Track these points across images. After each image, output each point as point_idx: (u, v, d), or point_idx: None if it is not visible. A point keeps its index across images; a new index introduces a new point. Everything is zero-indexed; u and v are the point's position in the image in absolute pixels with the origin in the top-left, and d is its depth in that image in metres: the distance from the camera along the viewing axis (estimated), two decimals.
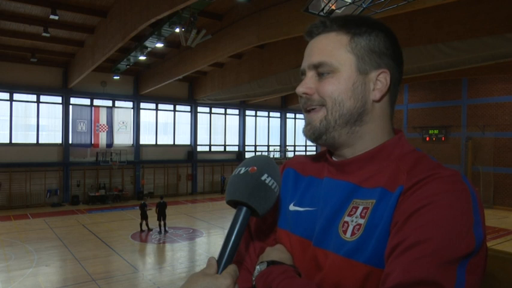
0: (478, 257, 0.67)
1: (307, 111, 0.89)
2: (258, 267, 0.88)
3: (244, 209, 0.79)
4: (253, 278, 0.88)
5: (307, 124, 0.89)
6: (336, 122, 0.84)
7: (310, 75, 0.87)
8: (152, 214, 13.81)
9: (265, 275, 0.84)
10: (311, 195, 0.93)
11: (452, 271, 0.63)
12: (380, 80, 0.84)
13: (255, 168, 0.82)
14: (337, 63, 0.84)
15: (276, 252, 0.90)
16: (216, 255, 0.78)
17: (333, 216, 0.83)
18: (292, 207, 0.95)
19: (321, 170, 0.95)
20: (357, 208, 0.80)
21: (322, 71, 0.85)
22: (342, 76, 0.84)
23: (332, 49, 0.84)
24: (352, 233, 0.78)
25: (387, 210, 0.74)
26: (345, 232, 0.79)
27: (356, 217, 0.79)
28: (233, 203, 0.81)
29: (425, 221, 0.67)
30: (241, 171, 0.82)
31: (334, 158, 0.92)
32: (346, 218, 0.80)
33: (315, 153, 1.03)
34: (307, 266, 0.86)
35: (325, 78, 0.85)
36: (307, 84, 0.86)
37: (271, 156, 24.89)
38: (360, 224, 0.77)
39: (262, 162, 0.84)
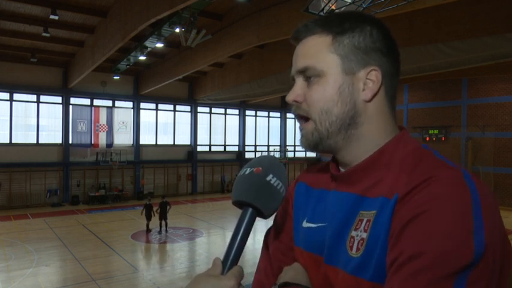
0: (481, 267, 0.61)
1: (298, 117, 0.87)
2: None
3: (250, 209, 0.78)
4: None
5: (301, 136, 0.87)
6: (328, 130, 0.82)
7: (298, 80, 0.85)
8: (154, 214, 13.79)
9: None
10: (321, 209, 0.90)
11: (449, 286, 0.59)
12: (370, 79, 0.80)
13: (260, 168, 0.81)
14: (321, 66, 0.81)
15: (292, 272, 0.88)
16: (216, 255, 0.78)
17: (340, 232, 0.81)
18: (305, 224, 0.92)
19: (329, 181, 0.92)
20: (362, 221, 0.77)
21: (308, 74, 0.82)
22: (327, 81, 0.81)
23: (315, 52, 0.82)
24: (357, 249, 0.75)
25: (385, 221, 0.71)
26: (351, 248, 0.76)
27: (360, 231, 0.76)
28: (238, 204, 0.80)
29: (418, 233, 0.63)
30: (247, 172, 0.82)
31: (339, 167, 0.89)
32: (353, 233, 0.77)
33: (314, 154, 1.02)
34: (320, 284, 0.84)
35: (313, 84, 0.82)
36: (296, 92, 0.84)
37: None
38: (363, 239, 0.74)
39: (268, 163, 0.82)
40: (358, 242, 0.75)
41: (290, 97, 0.85)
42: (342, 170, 0.88)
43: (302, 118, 0.86)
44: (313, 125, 0.83)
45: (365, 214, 0.77)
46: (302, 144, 0.87)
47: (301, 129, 0.87)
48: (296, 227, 0.95)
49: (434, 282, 0.59)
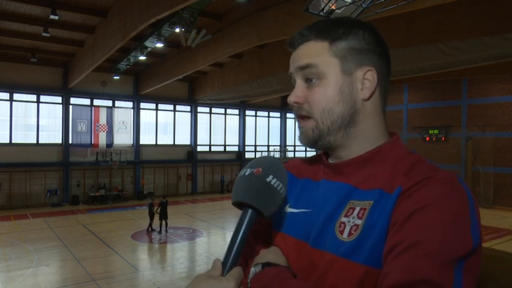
0: (474, 257, 0.68)
1: (299, 117, 0.91)
2: (253, 269, 0.87)
3: (250, 210, 0.78)
4: (249, 280, 0.86)
5: (301, 133, 0.90)
6: (329, 128, 0.86)
7: (299, 83, 0.89)
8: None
9: (260, 277, 0.84)
10: (306, 196, 0.93)
11: (450, 271, 0.64)
12: (367, 79, 0.85)
13: (260, 169, 0.82)
14: (323, 67, 0.85)
15: (271, 254, 0.90)
16: (216, 255, 0.78)
17: (329, 217, 0.84)
18: (287, 209, 0.95)
19: (316, 172, 0.96)
20: (353, 209, 0.80)
21: (309, 75, 0.86)
22: (328, 82, 0.85)
23: (316, 54, 0.86)
24: (349, 234, 0.78)
25: (385, 211, 0.75)
26: (341, 232, 0.79)
27: (353, 218, 0.79)
28: (238, 205, 0.80)
29: (424, 222, 0.68)
30: (247, 173, 0.83)
31: (330, 160, 0.92)
32: (343, 219, 0.81)
33: (314, 153, 1.03)
34: (303, 267, 0.86)
35: (313, 86, 0.86)
36: (297, 93, 0.88)
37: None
38: (357, 225, 0.78)
39: (268, 164, 0.84)
40: (351, 227, 0.78)
41: (291, 98, 0.89)
42: (332, 162, 0.92)
43: (303, 117, 0.90)
44: (314, 123, 0.87)
45: (357, 203, 0.81)
46: (302, 140, 0.91)
47: (300, 126, 0.90)
48: (277, 212, 0.96)
49: (438, 266, 0.64)
